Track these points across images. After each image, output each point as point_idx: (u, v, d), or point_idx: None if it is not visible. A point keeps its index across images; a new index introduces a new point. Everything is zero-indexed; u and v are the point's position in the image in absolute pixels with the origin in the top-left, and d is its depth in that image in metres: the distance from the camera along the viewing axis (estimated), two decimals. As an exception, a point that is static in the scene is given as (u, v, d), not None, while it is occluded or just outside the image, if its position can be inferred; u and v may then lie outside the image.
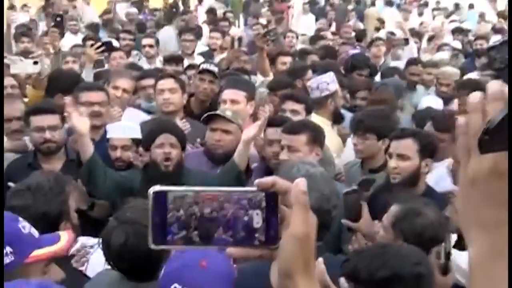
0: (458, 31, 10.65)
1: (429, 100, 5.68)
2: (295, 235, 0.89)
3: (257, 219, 0.90)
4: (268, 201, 0.90)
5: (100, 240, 2.30)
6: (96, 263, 2.66)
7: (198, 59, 7.02)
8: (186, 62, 6.46)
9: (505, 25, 11.96)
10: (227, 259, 1.84)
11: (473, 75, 6.19)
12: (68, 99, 3.42)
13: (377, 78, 6.33)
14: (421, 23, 11.91)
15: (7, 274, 1.86)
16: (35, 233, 1.98)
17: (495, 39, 8.27)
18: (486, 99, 0.77)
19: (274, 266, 0.92)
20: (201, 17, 12.72)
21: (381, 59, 7.68)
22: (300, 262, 0.89)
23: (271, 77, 5.87)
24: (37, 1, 14.07)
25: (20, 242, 1.91)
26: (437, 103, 5.54)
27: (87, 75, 5.22)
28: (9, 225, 1.93)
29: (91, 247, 2.81)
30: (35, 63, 4.43)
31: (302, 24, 12.46)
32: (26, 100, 4.58)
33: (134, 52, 7.49)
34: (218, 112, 3.90)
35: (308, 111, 4.24)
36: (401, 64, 6.99)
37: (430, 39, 9.56)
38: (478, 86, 4.89)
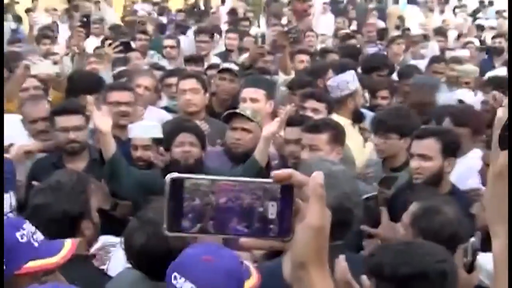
0: (479, 29, 10.56)
1: (463, 94, 5.57)
2: (311, 226, 0.90)
3: (272, 210, 0.90)
4: (283, 193, 0.90)
5: (122, 240, 2.31)
6: (117, 262, 2.67)
7: (214, 60, 7.03)
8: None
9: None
10: (235, 259, 1.82)
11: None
12: (90, 99, 3.44)
13: (394, 76, 6.28)
14: (443, 21, 11.81)
15: None
16: (36, 241, 1.92)
17: None
18: None
19: (286, 259, 0.92)
20: (224, 17, 12.74)
21: (400, 57, 7.62)
22: (314, 254, 0.90)
23: (292, 75, 5.86)
24: (60, 4, 14.22)
25: (14, 252, 1.87)
26: (470, 96, 5.43)
27: (106, 75, 5.25)
28: (4, 234, 1.88)
29: (113, 246, 2.83)
30: (55, 63, 4.46)
31: (321, 23, 12.41)
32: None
33: (151, 52, 7.52)
34: (237, 110, 3.91)
35: (329, 110, 4.23)
36: (421, 63, 6.91)
37: (459, 36, 9.47)
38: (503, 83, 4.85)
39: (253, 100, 4.24)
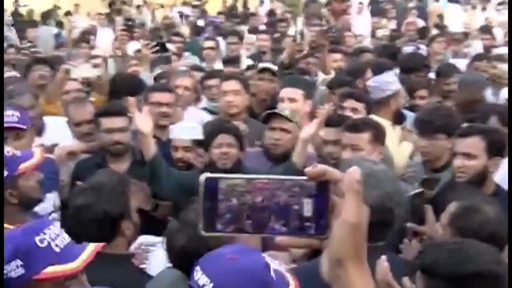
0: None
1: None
2: (348, 222, 0.88)
3: (307, 208, 0.89)
4: (319, 190, 0.89)
5: (163, 240, 2.33)
6: (157, 261, 2.69)
7: (247, 62, 7.02)
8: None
9: None
10: (262, 262, 1.76)
11: None
12: (131, 100, 3.48)
13: (432, 75, 6.16)
14: (486, 19, 11.58)
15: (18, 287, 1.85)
16: (57, 246, 1.91)
17: None
18: None
19: (324, 258, 0.91)
20: (263, 18, 12.77)
21: (440, 56, 7.49)
22: (352, 250, 0.88)
23: (332, 75, 5.82)
24: (101, 8, 14.46)
25: (32, 257, 1.86)
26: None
27: (146, 76, 5.30)
28: (23, 238, 1.90)
29: (152, 245, 2.85)
30: (94, 67, 4.52)
31: (358, 24, 12.32)
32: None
33: (186, 54, 7.56)
34: (276, 110, 3.90)
35: (368, 111, 4.18)
36: (461, 62, 6.75)
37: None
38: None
39: (291, 100, 4.22)
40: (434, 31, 9.73)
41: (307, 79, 5.21)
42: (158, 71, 5.48)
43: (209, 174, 0.89)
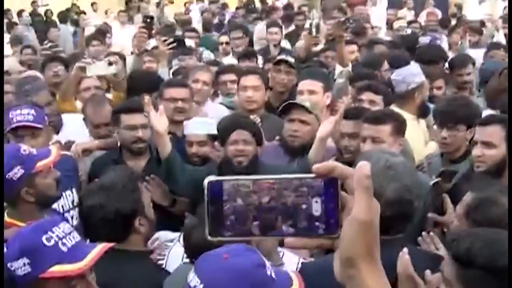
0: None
1: None
2: (358, 220, 0.84)
3: (316, 207, 0.85)
4: (327, 187, 0.86)
5: (181, 236, 2.32)
6: (175, 257, 2.68)
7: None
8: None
9: None
10: (257, 261, 1.71)
11: None
12: (147, 99, 3.46)
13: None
14: (505, 8, 11.43)
15: (23, 286, 1.85)
16: (65, 245, 1.90)
17: None
18: None
19: (336, 257, 0.87)
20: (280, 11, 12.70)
21: (458, 45, 7.40)
22: (363, 249, 0.85)
23: (349, 67, 5.76)
24: (118, 6, 14.50)
25: (39, 255, 1.86)
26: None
27: (162, 71, 5.30)
28: (30, 236, 1.90)
29: (170, 241, 2.84)
30: (110, 64, 4.50)
31: (374, 15, 12.23)
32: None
33: (200, 49, 7.55)
34: (296, 101, 3.85)
35: (387, 103, 4.11)
36: (479, 52, 6.64)
37: None
38: None
39: (310, 92, 4.16)
40: (453, 22, 9.63)
41: (325, 72, 5.15)
42: (175, 64, 5.46)
43: (212, 178, 0.87)
